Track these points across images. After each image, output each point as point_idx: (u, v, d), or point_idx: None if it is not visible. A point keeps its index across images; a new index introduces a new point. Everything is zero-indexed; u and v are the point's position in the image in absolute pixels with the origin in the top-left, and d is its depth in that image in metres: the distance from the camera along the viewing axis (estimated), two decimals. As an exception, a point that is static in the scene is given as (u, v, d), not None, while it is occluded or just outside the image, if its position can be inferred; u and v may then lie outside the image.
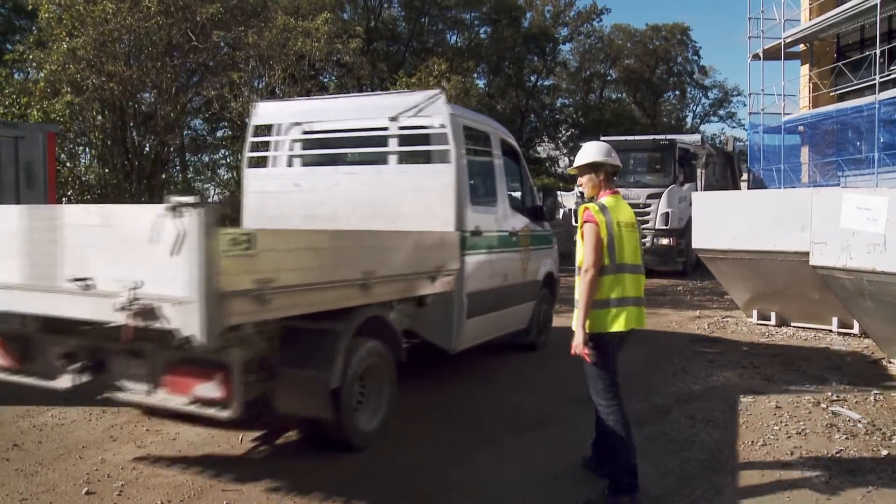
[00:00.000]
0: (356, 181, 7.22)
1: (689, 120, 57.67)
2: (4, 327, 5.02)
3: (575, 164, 4.90)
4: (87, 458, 5.21)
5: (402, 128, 7.11)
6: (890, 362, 8.21)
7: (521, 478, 4.90)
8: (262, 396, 4.90)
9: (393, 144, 7.22)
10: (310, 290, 4.66)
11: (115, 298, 4.04)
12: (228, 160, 18.91)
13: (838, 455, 5.28)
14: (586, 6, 45.46)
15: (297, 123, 7.80)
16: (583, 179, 4.84)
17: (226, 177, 18.34)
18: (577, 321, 4.42)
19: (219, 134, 20.31)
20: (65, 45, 12.30)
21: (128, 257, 4.09)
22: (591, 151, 4.85)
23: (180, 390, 4.42)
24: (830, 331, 10.05)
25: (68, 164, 13.09)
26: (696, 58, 53.50)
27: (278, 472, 4.98)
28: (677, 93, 55.78)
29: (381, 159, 7.32)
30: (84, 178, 13.27)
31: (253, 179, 7.82)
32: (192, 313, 3.84)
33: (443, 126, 6.76)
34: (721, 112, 56.76)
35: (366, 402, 5.41)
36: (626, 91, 53.00)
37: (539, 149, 47.52)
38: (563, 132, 49.14)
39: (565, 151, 48.53)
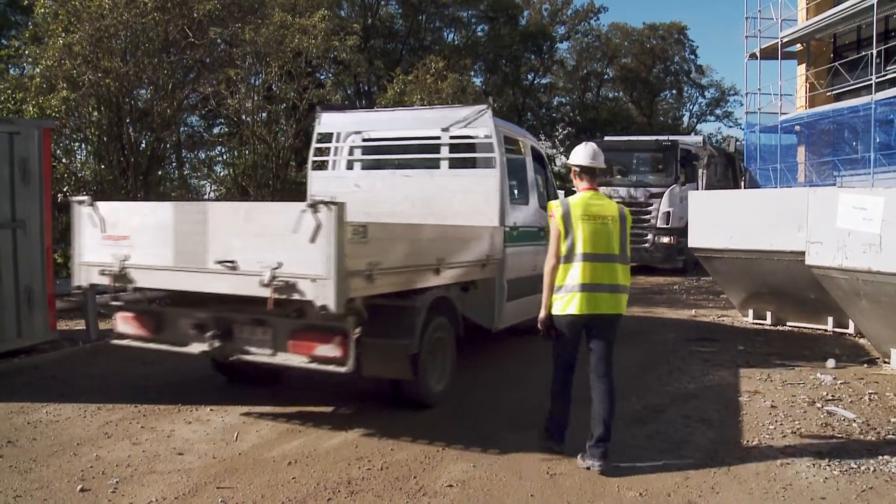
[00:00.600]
0: (411, 183, 8.24)
1: (685, 119, 57.72)
2: (139, 304, 6.36)
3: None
4: (82, 455, 5.20)
5: (452, 137, 8.25)
6: (885, 362, 8.23)
7: (522, 476, 4.89)
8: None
9: (444, 151, 8.38)
10: (402, 272, 5.80)
11: (258, 277, 5.11)
12: (225, 157, 18.89)
13: (833, 454, 5.29)
14: (584, 5, 45.48)
15: (357, 132, 8.90)
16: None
17: (222, 174, 18.30)
18: (543, 299, 5.15)
19: (215, 130, 20.30)
20: (61, 41, 12.25)
21: (270, 244, 5.15)
22: (571, 154, 5.43)
23: (303, 351, 5.45)
24: (826, 330, 10.07)
25: (64, 161, 13.03)
26: (693, 57, 53.55)
27: (272, 470, 4.97)
28: (674, 92, 55.80)
29: (433, 164, 8.43)
30: (80, 175, 13.21)
31: (316, 181, 8.85)
32: (327, 288, 4.93)
33: (488, 136, 7.87)
34: (718, 111, 56.81)
35: (435, 368, 6.44)
36: (622, 90, 53.00)
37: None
38: (560, 130, 49.13)
39: (562, 150, 48.50)
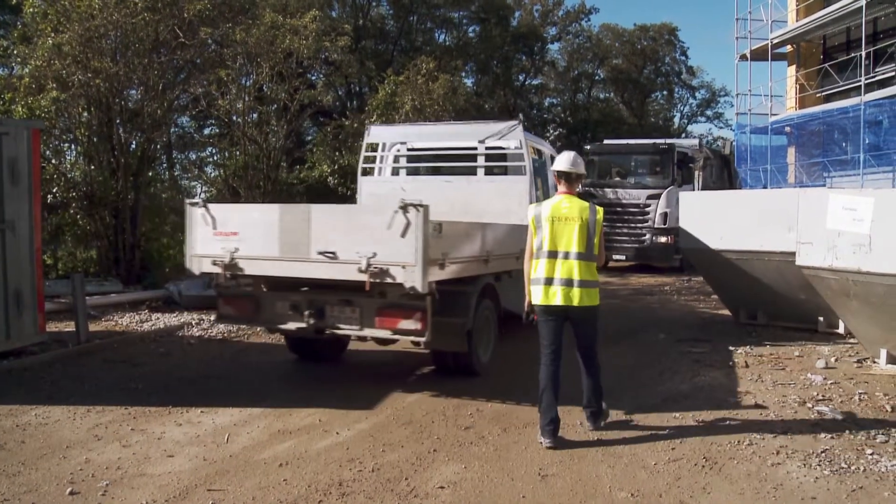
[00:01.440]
0: (451, 188, 9.59)
1: (676, 120, 57.86)
2: (240, 289, 7.33)
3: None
4: (71, 458, 5.17)
5: (487, 148, 9.63)
6: (874, 362, 8.26)
7: (514, 477, 4.89)
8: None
9: (480, 160, 9.72)
10: (463, 262, 7.00)
11: (356, 264, 6.23)
12: (215, 158, 18.80)
13: (823, 454, 5.30)
14: (575, 6, 45.51)
15: (403, 143, 10.25)
16: None
17: (213, 175, 18.22)
18: (527, 294, 5.83)
19: (206, 131, 20.24)
20: (50, 41, 12.17)
21: (366, 238, 6.30)
22: (555, 161, 6.07)
23: (388, 325, 6.61)
24: (816, 331, 10.09)
25: (53, 161, 12.94)
26: (683, 58, 53.66)
27: (263, 472, 4.96)
28: (665, 93, 55.92)
29: (471, 171, 9.85)
30: (69, 175, 13.13)
31: (365, 184, 10.25)
32: (415, 273, 6.13)
33: (518, 147, 9.33)
34: (708, 112, 56.96)
35: (482, 343, 7.64)
36: (613, 91, 53.09)
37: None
38: (551, 132, 49.12)
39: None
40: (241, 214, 7.30)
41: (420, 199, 6.40)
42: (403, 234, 6.15)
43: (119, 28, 12.72)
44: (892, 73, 20.03)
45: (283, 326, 7.20)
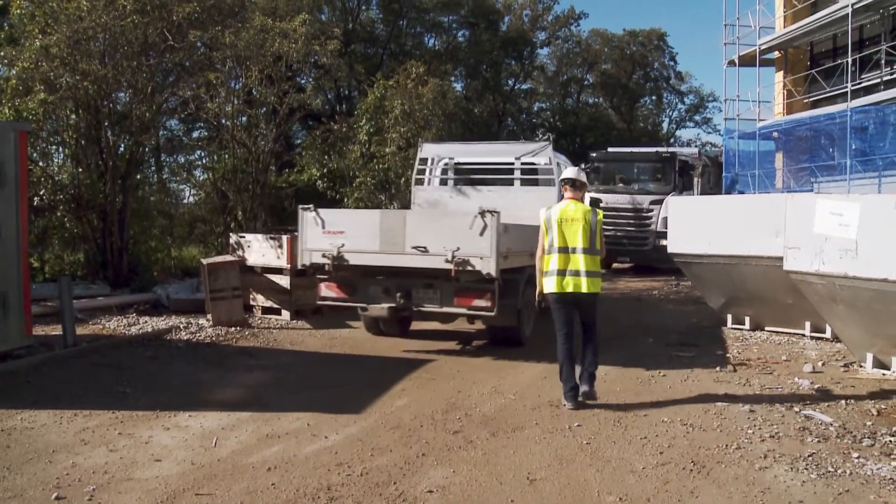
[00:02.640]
0: (491, 196, 11.28)
1: (665, 125, 58.17)
2: (338, 276, 8.94)
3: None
4: (57, 463, 5.13)
5: (522, 163, 11.60)
6: (861, 366, 8.31)
7: (502, 481, 4.89)
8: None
9: (517, 174, 11.74)
10: (517, 255, 8.79)
11: (443, 256, 8.20)
12: (204, 161, 18.70)
13: (811, 458, 5.33)
14: (564, 11, 45.70)
15: (451, 158, 12.17)
16: None
17: (202, 178, 18.15)
18: (538, 284, 6.97)
19: (195, 135, 20.12)
20: (38, 43, 12.09)
21: (451, 236, 8.25)
22: (563, 172, 7.52)
23: (464, 304, 8.52)
24: (803, 335, 10.15)
25: (41, 164, 12.84)
26: (672, 63, 53.98)
27: (251, 476, 4.94)
28: (654, 98, 56.20)
29: (508, 182, 11.87)
30: (57, 178, 13.03)
31: (419, 193, 12.10)
32: (490, 263, 8.14)
33: (548, 163, 11.25)
34: (697, 117, 57.27)
35: (526, 320, 9.53)
36: (602, 96, 53.29)
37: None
38: (540, 136, 49.11)
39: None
40: (346, 217, 9.69)
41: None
42: (482, 233, 8.17)
43: (107, 30, 12.65)
44: (878, 80, 20.20)
45: (375, 305, 8.91)
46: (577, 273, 6.70)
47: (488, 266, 8.15)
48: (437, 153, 12.26)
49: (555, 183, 10.61)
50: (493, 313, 8.40)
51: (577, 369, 6.75)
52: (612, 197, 19.71)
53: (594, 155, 22.34)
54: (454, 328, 10.31)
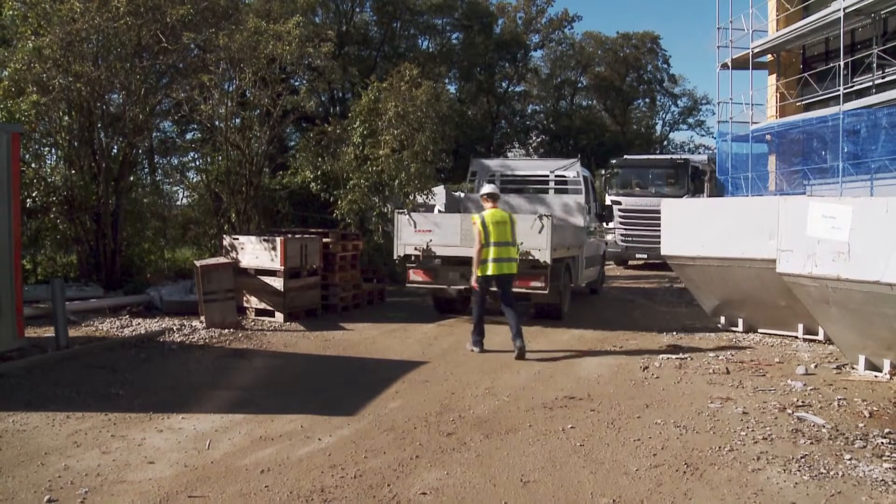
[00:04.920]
0: (531, 202, 14.18)
1: (658, 128, 58.28)
2: (424, 263, 11.57)
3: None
4: (50, 465, 5.11)
5: (555, 176, 14.49)
6: (853, 368, 8.34)
7: (496, 483, 4.89)
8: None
9: (551, 184, 14.63)
10: (562, 248, 11.70)
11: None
12: (198, 163, 18.63)
13: (803, 459, 5.35)
14: (558, 13, 45.79)
15: (498, 170, 15.03)
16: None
17: (195, 180, 18.08)
18: (474, 269, 9.35)
19: (188, 136, 20.06)
20: (30, 44, 12.05)
21: (518, 233, 9.81)
22: (482, 189, 10.71)
23: (523, 285, 10.70)
24: (796, 337, 10.18)
25: (33, 165, 12.78)
26: (665, 66, 54.09)
27: (245, 478, 4.93)
28: (647, 101, 56.27)
29: (544, 191, 14.67)
30: (49, 180, 12.98)
31: (469, 199, 14.53)
32: (546, 253, 10.85)
33: (576, 176, 14.12)
34: (690, 120, 57.35)
35: (565, 299, 12.26)
36: (596, 98, 53.39)
37: (510, 155, 47.71)
38: (534, 138, 49.31)
39: (535, 157, 48.69)
40: (433, 219, 11.98)
41: (538, 210, 12.29)
42: (540, 231, 10.91)
43: (101, 32, 12.60)
44: (870, 84, 20.28)
45: (451, 287, 11.76)
46: (509, 259, 9.36)
47: (545, 256, 10.89)
48: (485, 167, 15.07)
49: (581, 191, 13.78)
50: (545, 292, 11.06)
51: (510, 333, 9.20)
52: (630, 200, 22.28)
53: (613, 162, 24.64)
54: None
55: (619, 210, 21.48)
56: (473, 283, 9.35)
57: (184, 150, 19.44)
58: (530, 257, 10.76)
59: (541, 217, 10.89)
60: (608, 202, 21.88)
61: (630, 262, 23.52)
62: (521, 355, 8.87)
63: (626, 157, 26.82)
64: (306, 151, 16.95)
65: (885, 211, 7.37)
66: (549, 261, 10.84)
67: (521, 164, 16.12)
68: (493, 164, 15.49)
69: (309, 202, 17.87)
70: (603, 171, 25.02)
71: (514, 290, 9.93)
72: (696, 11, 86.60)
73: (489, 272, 9.14)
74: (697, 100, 56.47)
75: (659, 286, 18.24)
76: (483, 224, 9.19)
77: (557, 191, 14.48)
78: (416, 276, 11.63)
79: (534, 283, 10.96)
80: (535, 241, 10.84)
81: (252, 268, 11.53)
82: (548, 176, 14.61)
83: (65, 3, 12.30)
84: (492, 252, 9.15)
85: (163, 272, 14.74)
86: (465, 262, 10.57)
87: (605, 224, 17.31)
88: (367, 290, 13.70)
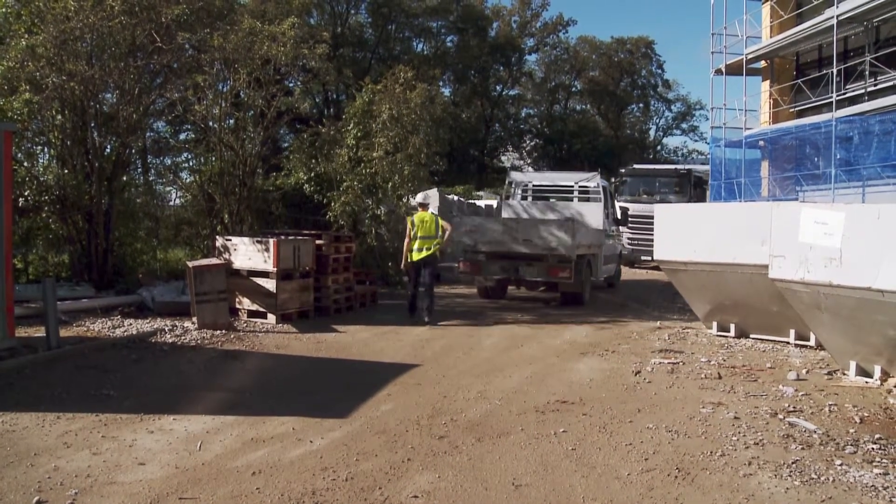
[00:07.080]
0: (559, 208, 16.61)
1: (652, 132, 58.51)
2: (471, 256, 14.46)
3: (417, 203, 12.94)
4: (39, 466, 5.09)
5: (579, 186, 17.07)
6: (844, 374, 8.37)
7: (487, 486, 4.89)
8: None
9: (575, 193, 17.11)
10: (584, 246, 14.48)
11: (542, 246, 13.75)
12: (191, 163, 18.57)
13: (794, 465, 5.36)
14: (552, 17, 45.90)
15: (530, 181, 18.11)
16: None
17: (188, 180, 18.02)
18: (404, 258, 12.19)
19: (181, 136, 19.99)
20: (23, 42, 11.98)
21: (550, 232, 13.77)
22: (416, 197, 13.72)
23: (553, 275, 13.80)
24: (788, 343, 10.21)
25: (25, 164, 12.72)
26: (660, 71, 54.34)
27: (236, 480, 4.91)
28: (641, 105, 56.48)
29: (569, 199, 17.06)
30: (42, 179, 12.92)
31: (505, 205, 17.30)
32: (571, 249, 13.56)
33: (597, 186, 16.82)
34: (684, 125, 57.64)
35: (586, 289, 14.69)
36: (590, 102, 53.54)
37: (503, 158, 47.81)
38: (528, 142, 49.43)
39: (529, 161, 48.83)
40: (479, 222, 15.03)
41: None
42: (566, 232, 13.44)
43: (95, 31, 12.56)
44: (862, 91, 20.39)
45: (495, 276, 14.56)
46: (429, 248, 11.93)
47: (571, 252, 13.39)
48: (519, 178, 18.30)
49: (601, 199, 16.58)
50: (571, 281, 13.66)
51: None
52: (638, 206, 23.61)
53: (623, 171, 27.65)
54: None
55: (628, 215, 21.88)
56: (403, 267, 12.38)
57: (177, 150, 19.35)
58: (556, 253, 13.44)
59: (567, 220, 13.94)
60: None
61: (636, 265, 24.62)
62: (426, 324, 11.67)
63: (634, 166, 29.24)
64: (300, 153, 16.93)
65: (877, 217, 7.41)
66: (574, 256, 13.34)
67: (550, 176, 18.79)
68: (527, 176, 18.96)
69: (302, 204, 17.84)
70: (613, 179, 26.76)
71: (544, 279, 13.91)
72: (691, 17, 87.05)
73: (416, 258, 11.93)
74: (691, 105, 56.82)
75: (653, 288, 18.28)
76: (412, 224, 11.97)
77: (581, 199, 16.96)
78: (464, 268, 14.53)
79: (562, 274, 13.53)
80: (563, 240, 13.33)
81: (245, 269, 11.51)
82: (573, 186, 17.14)
83: (59, 1, 12.24)
84: (416, 244, 11.92)
85: (155, 273, 14.68)
86: (508, 256, 13.91)
87: (620, 227, 18.91)
88: (359, 293, 13.69)
